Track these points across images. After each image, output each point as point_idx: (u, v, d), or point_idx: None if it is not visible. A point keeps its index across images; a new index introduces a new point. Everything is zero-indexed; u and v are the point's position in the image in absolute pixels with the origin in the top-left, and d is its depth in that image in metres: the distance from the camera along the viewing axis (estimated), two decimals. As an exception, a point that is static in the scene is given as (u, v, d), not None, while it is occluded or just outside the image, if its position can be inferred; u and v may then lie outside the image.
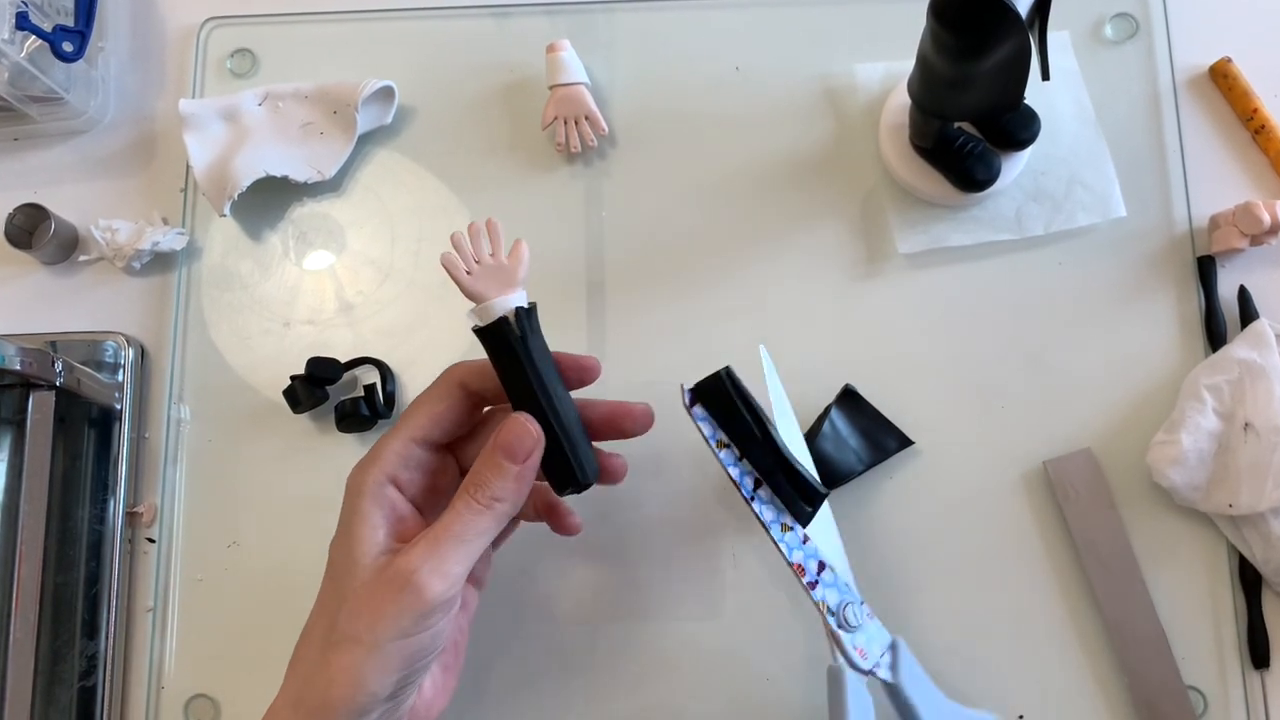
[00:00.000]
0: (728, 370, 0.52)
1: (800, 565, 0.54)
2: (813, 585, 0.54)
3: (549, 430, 0.50)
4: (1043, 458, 0.63)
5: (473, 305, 0.48)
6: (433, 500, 0.53)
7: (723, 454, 0.54)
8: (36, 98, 0.70)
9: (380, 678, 0.46)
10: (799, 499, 0.54)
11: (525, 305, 0.49)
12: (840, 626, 0.54)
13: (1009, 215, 0.66)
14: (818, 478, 0.56)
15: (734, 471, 0.54)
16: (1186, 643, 0.61)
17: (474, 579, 0.56)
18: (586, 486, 0.53)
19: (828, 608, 0.54)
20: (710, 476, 0.64)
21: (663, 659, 0.63)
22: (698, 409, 0.53)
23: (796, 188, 0.69)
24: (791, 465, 0.53)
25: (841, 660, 0.54)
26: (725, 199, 0.69)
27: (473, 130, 0.71)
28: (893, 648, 0.55)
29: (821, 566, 0.55)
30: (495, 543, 0.57)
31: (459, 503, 0.49)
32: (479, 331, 0.49)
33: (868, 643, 0.54)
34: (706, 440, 0.53)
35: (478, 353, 0.65)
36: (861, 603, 0.55)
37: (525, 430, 0.49)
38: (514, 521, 0.57)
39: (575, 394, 0.53)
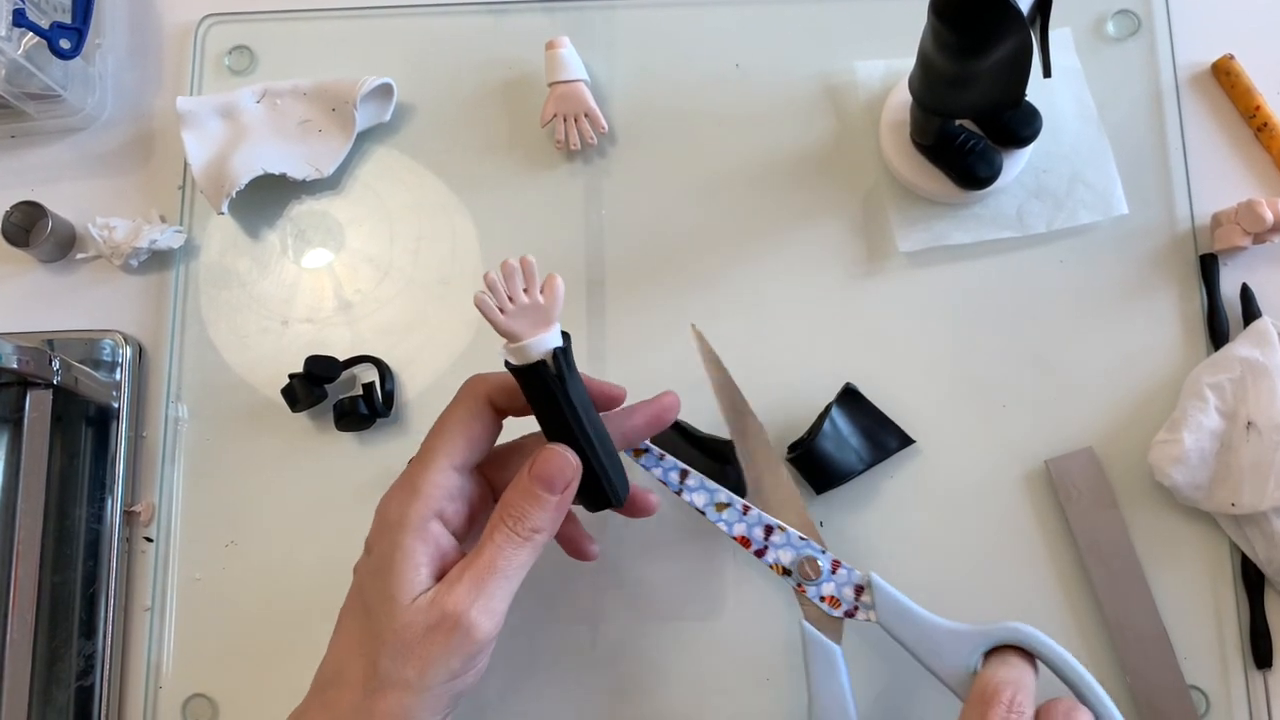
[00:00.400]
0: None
1: (743, 537, 0.54)
2: (761, 552, 0.54)
3: (584, 460, 0.49)
4: (1044, 457, 0.63)
5: (505, 344, 0.47)
6: (470, 527, 0.52)
7: (641, 460, 0.55)
8: (34, 95, 0.69)
9: (428, 719, 0.46)
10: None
11: (561, 344, 0.47)
12: (805, 581, 0.53)
13: (1010, 213, 0.66)
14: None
15: (657, 471, 0.54)
16: (1188, 642, 0.61)
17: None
18: (621, 505, 0.52)
19: (783, 569, 0.54)
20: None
21: (663, 657, 0.62)
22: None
23: (797, 185, 0.68)
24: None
25: (808, 624, 0.53)
26: (725, 197, 0.68)
27: (472, 128, 0.71)
28: (867, 586, 0.54)
29: (769, 530, 0.54)
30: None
31: (499, 536, 0.48)
32: (514, 370, 0.47)
33: (837, 589, 0.54)
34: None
35: (476, 348, 0.67)
36: (824, 551, 0.54)
37: (565, 462, 0.48)
38: None
39: None
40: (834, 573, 0.54)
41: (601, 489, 0.50)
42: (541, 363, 0.46)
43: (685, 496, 0.54)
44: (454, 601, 0.46)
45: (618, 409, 0.53)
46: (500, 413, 0.51)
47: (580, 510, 0.54)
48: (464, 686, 0.47)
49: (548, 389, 0.47)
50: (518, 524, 0.48)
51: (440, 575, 0.48)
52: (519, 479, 0.49)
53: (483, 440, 0.50)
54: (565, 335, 0.47)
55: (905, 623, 0.53)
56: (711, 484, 0.54)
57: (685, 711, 0.62)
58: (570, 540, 0.57)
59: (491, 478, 0.54)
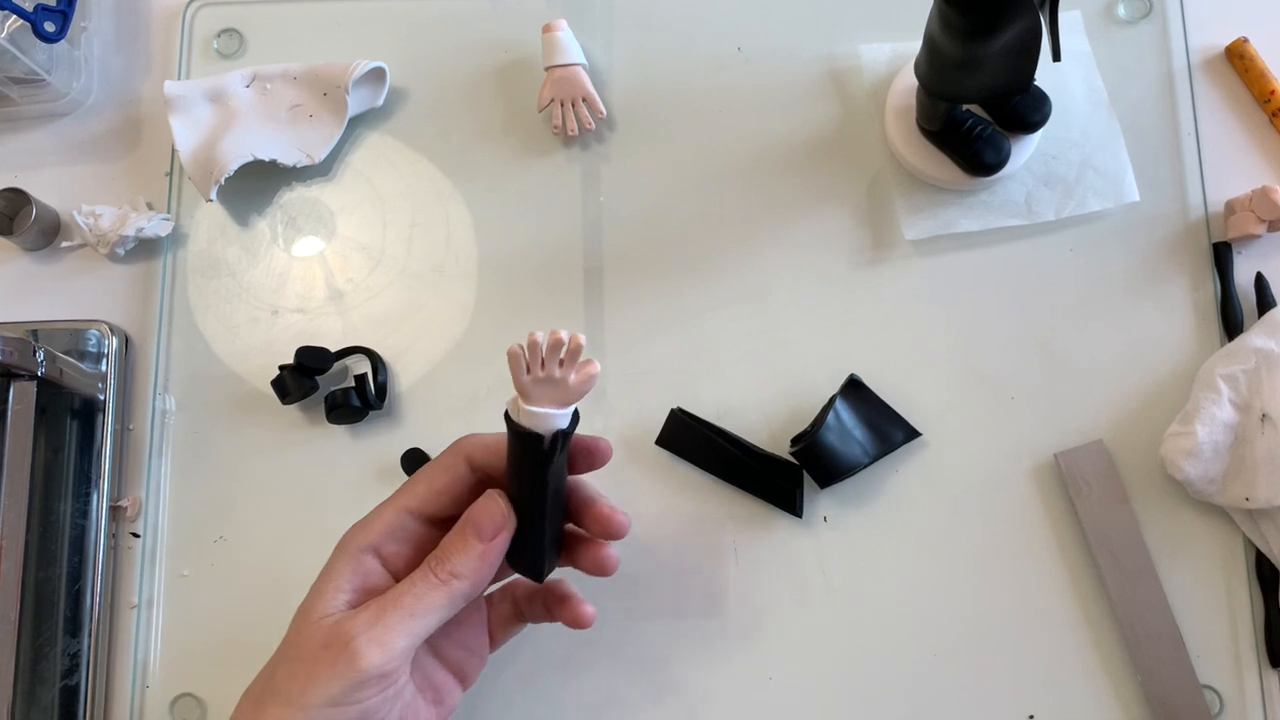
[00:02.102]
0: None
1: None
2: None
3: (527, 527, 0.49)
4: (1053, 450, 0.63)
5: (515, 396, 0.46)
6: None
7: None
8: (17, 79, 0.69)
9: None
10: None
11: (567, 428, 0.46)
12: None
13: (1019, 200, 0.65)
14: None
15: None
16: (1202, 640, 0.60)
17: (458, 673, 0.54)
18: (539, 581, 0.52)
19: None
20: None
21: (664, 656, 0.62)
22: None
23: (800, 172, 0.67)
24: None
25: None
26: (726, 183, 0.68)
27: (467, 113, 0.70)
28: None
29: None
30: (493, 641, 0.55)
31: (417, 574, 0.47)
32: (510, 425, 0.46)
33: None
34: None
35: (470, 340, 0.66)
36: None
37: (497, 510, 0.48)
38: (518, 621, 0.56)
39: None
40: None
41: (531, 559, 0.50)
42: (539, 435, 0.46)
43: None
44: (350, 625, 0.45)
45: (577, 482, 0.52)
46: (479, 470, 0.50)
47: (579, 576, 0.53)
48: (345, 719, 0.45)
49: (532, 459, 0.47)
50: (439, 565, 0.47)
51: (356, 604, 0.48)
52: (456, 524, 0.49)
53: (447, 493, 0.50)
54: (575, 416, 0.47)
55: None
56: None
57: (685, 710, 0.61)
58: (562, 603, 0.54)
59: None
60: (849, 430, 0.62)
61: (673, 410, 0.63)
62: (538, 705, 0.62)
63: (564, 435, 0.46)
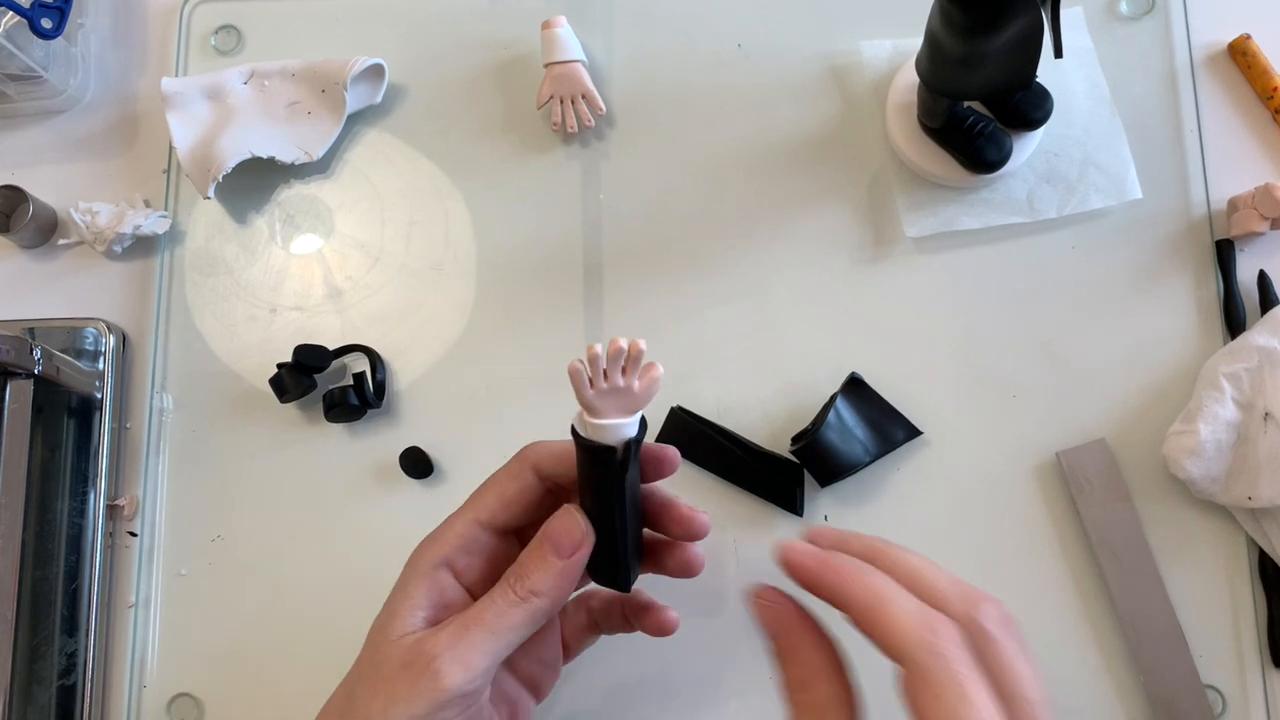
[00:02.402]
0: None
1: None
2: None
3: (607, 539, 0.47)
4: (1055, 448, 0.62)
5: (581, 411, 0.44)
6: (489, 586, 0.49)
7: None
8: (14, 76, 0.68)
9: None
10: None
11: (637, 435, 0.45)
12: None
13: (1020, 198, 0.65)
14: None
15: None
16: (1204, 640, 0.60)
17: (532, 686, 0.53)
18: (625, 592, 0.50)
19: None
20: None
21: (664, 655, 0.61)
22: None
23: (800, 169, 0.67)
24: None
25: None
26: (727, 181, 0.67)
27: (466, 110, 0.69)
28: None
29: None
30: (567, 652, 0.55)
31: (496, 591, 0.47)
32: (580, 442, 0.45)
33: None
34: None
35: (469, 338, 0.66)
36: None
37: (575, 525, 0.47)
38: (593, 632, 0.55)
39: None
40: None
41: (614, 571, 0.49)
42: (610, 448, 0.45)
43: None
44: (432, 644, 0.45)
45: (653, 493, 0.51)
46: (547, 479, 0.49)
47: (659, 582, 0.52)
48: None
49: (606, 472, 0.46)
50: (518, 582, 0.46)
51: (439, 622, 0.47)
52: (534, 539, 0.48)
53: (517, 503, 0.49)
54: (643, 421, 0.45)
55: None
56: None
57: (685, 709, 0.61)
58: (642, 613, 0.54)
59: None
60: (850, 429, 0.61)
61: (672, 408, 0.63)
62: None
63: (636, 443, 0.45)
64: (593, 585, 0.51)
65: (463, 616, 0.46)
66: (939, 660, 0.38)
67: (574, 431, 0.45)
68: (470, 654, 0.45)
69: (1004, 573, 0.61)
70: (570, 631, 0.55)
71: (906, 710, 0.38)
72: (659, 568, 0.51)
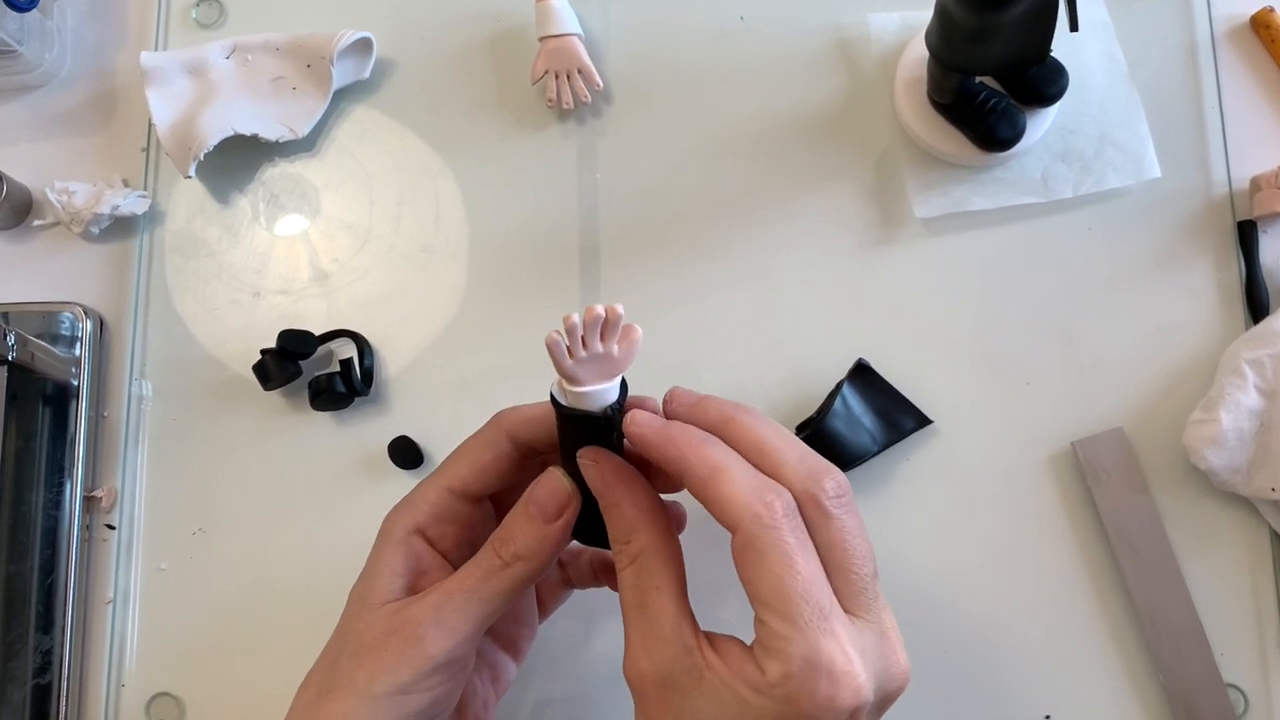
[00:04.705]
0: None
1: None
2: None
3: (593, 500, 0.47)
4: (1071, 438, 0.61)
5: (559, 380, 0.45)
6: (465, 553, 0.50)
7: None
8: (-14, 50, 0.67)
9: None
10: None
11: (619, 399, 0.45)
12: None
13: (1034, 177, 0.64)
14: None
15: None
16: (1225, 637, 0.59)
17: (511, 648, 0.54)
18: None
19: None
20: None
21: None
22: None
23: (806, 147, 0.66)
24: None
25: None
26: (729, 159, 0.66)
27: (457, 85, 0.68)
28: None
29: None
30: (542, 612, 0.55)
31: (481, 556, 0.47)
32: (560, 410, 0.45)
33: None
34: None
35: (460, 323, 0.65)
36: None
37: (561, 487, 0.47)
38: (566, 586, 0.56)
39: None
40: None
41: (602, 532, 0.48)
42: (593, 415, 0.45)
43: None
44: (416, 610, 0.45)
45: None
46: (522, 445, 0.49)
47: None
48: (415, 708, 0.45)
49: (590, 438, 0.46)
50: (503, 546, 0.46)
51: (417, 589, 0.48)
52: (519, 503, 0.48)
53: (490, 470, 0.49)
54: (624, 385, 0.46)
55: None
56: None
57: None
58: (610, 567, 0.54)
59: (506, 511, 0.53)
60: (857, 417, 0.61)
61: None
62: (528, 706, 0.61)
63: (617, 406, 0.45)
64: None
65: (446, 583, 0.46)
66: (767, 531, 0.40)
67: (553, 399, 0.45)
68: (456, 620, 0.45)
69: (1017, 567, 0.61)
70: (545, 587, 0.56)
71: (739, 578, 0.41)
72: None
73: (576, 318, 0.42)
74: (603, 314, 0.42)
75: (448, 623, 0.45)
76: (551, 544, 0.47)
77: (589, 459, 0.45)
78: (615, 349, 0.43)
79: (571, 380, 0.44)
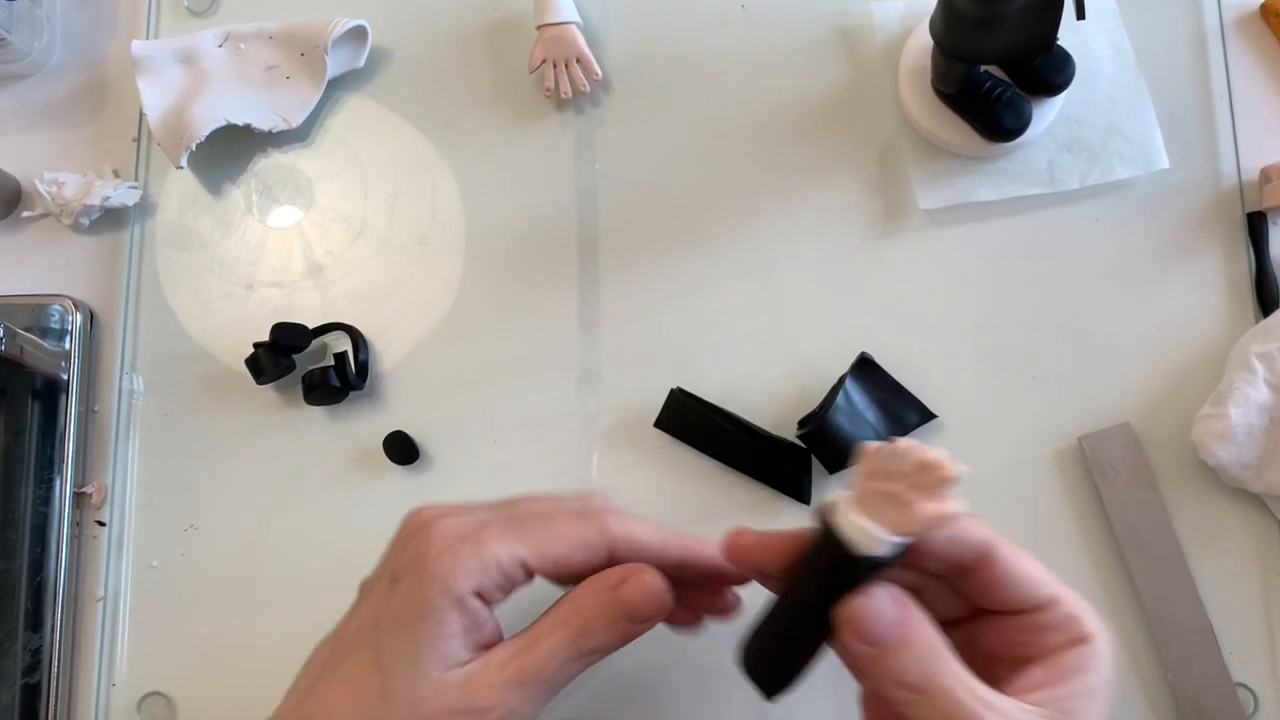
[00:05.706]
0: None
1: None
2: None
3: (785, 639, 0.43)
4: (1077, 433, 0.61)
5: (850, 496, 0.38)
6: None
7: None
8: (-26, 39, 0.67)
9: None
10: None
11: (886, 559, 0.38)
12: None
13: (1040, 167, 0.64)
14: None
15: None
16: (1235, 636, 0.58)
17: None
18: (768, 699, 0.46)
19: None
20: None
21: (665, 647, 0.59)
22: None
23: (808, 137, 0.66)
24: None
25: None
26: (730, 150, 0.66)
27: (453, 74, 0.68)
28: None
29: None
30: None
31: (557, 642, 0.43)
32: (825, 526, 0.39)
33: None
34: None
35: (456, 317, 0.64)
36: None
37: (661, 596, 0.44)
38: None
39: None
40: None
41: (772, 673, 0.45)
42: (855, 558, 0.38)
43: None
44: (489, 695, 0.42)
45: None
46: (614, 560, 0.45)
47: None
48: None
49: (829, 574, 0.39)
50: (583, 638, 0.43)
51: (477, 650, 0.44)
52: (601, 589, 0.44)
53: (577, 569, 0.45)
54: (902, 552, 0.39)
55: None
56: None
57: (685, 710, 0.60)
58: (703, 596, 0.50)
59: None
60: (860, 412, 0.60)
61: (672, 390, 0.61)
62: None
63: (874, 567, 0.38)
64: None
65: (522, 665, 0.43)
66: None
67: (825, 511, 0.39)
68: (527, 707, 0.42)
69: (1023, 564, 0.60)
70: None
71: None
72: (694, 614, 0.50)
73: (908, 445, 0.37)
74: (935, 462, 0.36)
75: (520, 711, 0.42)
76: (630, 640, 0.44)
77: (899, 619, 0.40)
78: (922, 508, 0.37)
79: (862, 504, 0.38)
